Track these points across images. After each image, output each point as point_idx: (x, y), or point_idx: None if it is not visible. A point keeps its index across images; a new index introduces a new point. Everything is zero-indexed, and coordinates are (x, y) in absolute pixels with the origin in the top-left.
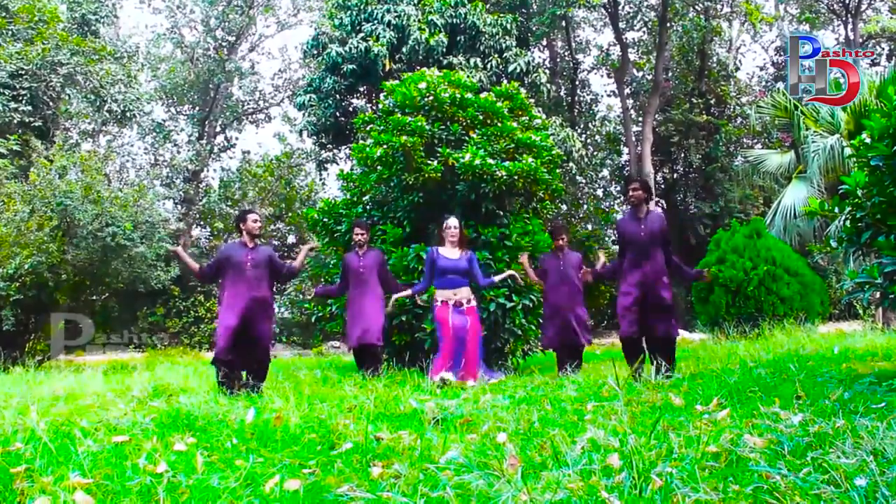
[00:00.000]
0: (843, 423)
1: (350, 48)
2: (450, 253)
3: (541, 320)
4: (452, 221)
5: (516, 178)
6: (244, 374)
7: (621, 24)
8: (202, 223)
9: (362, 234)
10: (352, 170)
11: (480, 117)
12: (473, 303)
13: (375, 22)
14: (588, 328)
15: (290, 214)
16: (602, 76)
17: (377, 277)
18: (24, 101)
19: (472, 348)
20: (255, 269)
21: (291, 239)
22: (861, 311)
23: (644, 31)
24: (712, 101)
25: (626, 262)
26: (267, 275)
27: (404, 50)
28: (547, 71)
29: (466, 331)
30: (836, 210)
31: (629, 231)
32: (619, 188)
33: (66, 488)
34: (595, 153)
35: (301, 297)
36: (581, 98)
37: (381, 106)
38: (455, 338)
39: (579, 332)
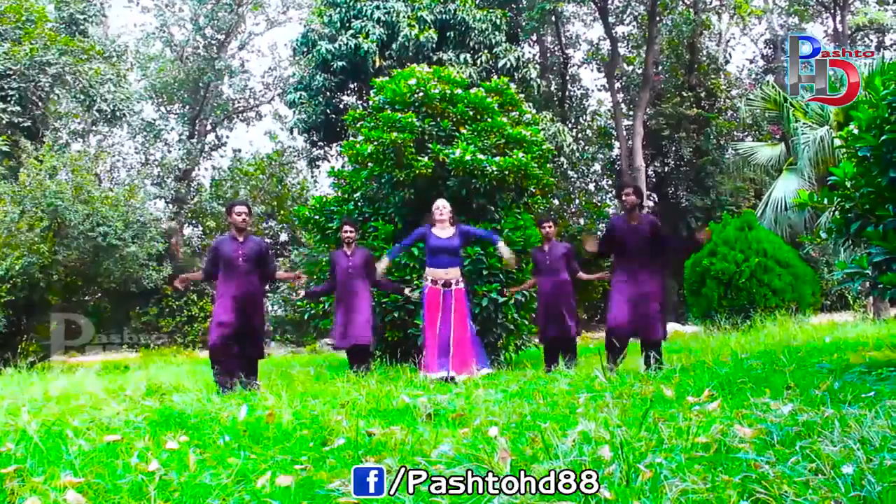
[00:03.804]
0: (832, 412)
1: (340, 45)
2: (441, 232)
3: (534, 315)
4: (440, 202)
5: (507, 173)
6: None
7: (611, 19)
8: (194, 222)
9: (351, 232)
10: (343, 167)
11: (470, 113)
12: (462, 285)
13: (365, 18)
14: (576, 319)
15: (281, 212)
16: (592, 71)
17: (365, 276)
18: (12, 102)
19: (462, 336)
20: (245, 262)
21: (283, 237)
22: (852, 302)
23: (634, 26)
24: (702, 95)
25: (617, 264)
26: (257, 267)
27: (394, 46)
28: (537, 66)
29: (449, 334)
30: (826, 201)
31: (622, 234)
32: (610, 182)
33: (57, 488)
34: (586, 147)
35: (294, 294)
36: (571, 93)
37: (371, 103)
38: (441, 334)
39: (570, 324)
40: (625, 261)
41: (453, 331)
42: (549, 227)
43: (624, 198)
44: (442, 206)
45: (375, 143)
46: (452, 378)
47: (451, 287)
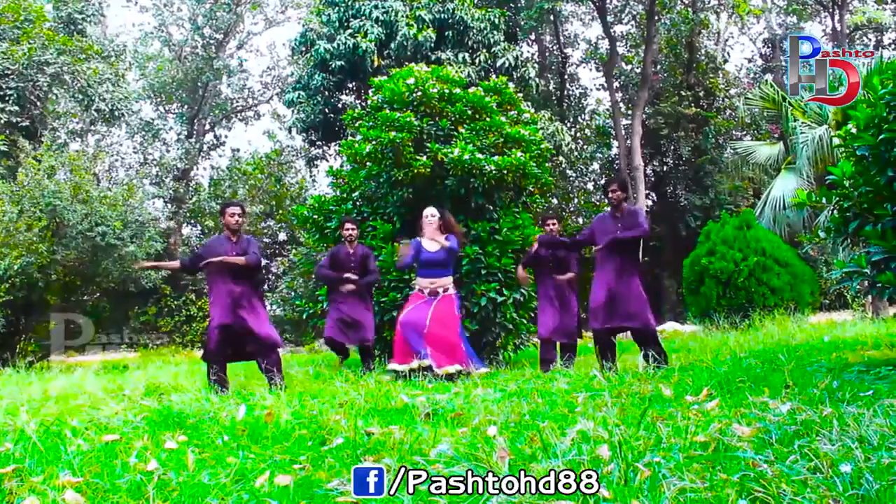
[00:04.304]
0: (830, 411)
1: (338, 45)
2: (431, 245)
3: (533, 314)
4: (428, 210)
5: (505, 172)
6: (263, 373)
7: (609, 18)
8: (192, 221)
9: (352, 229)
10: (341, 166)
11: (469, 112)
12: (451, 291)
13: (363, 18)
14: (579, 318)
15: (280, 212)
16: (591, 70)
17: (367, 272)
18: (10, 101)
19: (449, 334)
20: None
21: (282, 236)
22: (850, 301)
23: (632, 25)
24: (701, 94)
25: (600, 259)
26: (249, 267)
27: (392, 46)
28: (536, 65)
29: (424, 323)
30: (824, 200)
31: (607, 231)
32: None
33: (56, 487)
34: (585, 147)
35: (293, 294)
36: (570, 92)
37: (369, 102)
38: (406, 329)
39: (573, 323)
40: (607, 255)
41: (429, 322)
42: (553, 224)
43: (610, 194)
44: (430, 215)
45: (374, 142)
46: (430, 367)
47: (437, 295)
